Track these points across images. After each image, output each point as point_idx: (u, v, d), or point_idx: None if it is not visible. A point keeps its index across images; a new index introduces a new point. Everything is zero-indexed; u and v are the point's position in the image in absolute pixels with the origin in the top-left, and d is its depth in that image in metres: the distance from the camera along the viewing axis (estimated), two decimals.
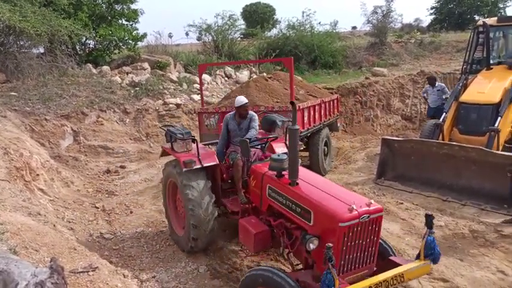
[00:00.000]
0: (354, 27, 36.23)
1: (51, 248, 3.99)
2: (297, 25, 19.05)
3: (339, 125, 10.55)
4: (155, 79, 12.15)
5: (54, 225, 5.28)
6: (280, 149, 4.99)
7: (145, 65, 13.22)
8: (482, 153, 6.26)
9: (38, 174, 6.91)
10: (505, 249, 4.89)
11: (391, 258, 3.56)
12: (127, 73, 12.70)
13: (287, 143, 4.35)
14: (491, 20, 8.65)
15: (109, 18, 14.15)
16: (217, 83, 13.58)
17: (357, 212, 3.13)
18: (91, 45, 14.33)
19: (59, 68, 11.56)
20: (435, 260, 3.35)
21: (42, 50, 12.36)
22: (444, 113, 7.88)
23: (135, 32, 14.61)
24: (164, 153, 5.60)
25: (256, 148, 4.88)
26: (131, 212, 6.71)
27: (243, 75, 14.47)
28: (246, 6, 39.65)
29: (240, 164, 4.64)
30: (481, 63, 8.32)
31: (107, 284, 3.52)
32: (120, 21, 14.56)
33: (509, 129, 7.36)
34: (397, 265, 3.34)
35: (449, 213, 6.01)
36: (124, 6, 14.42)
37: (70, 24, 11.59)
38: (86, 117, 9.99)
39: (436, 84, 9.78)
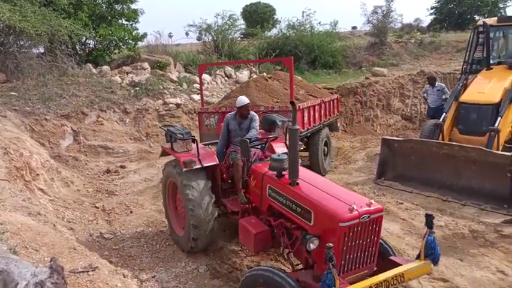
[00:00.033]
0: (354, 27, 36.28)
1: (51, 248, 3.99)
2: (297, 25, 19.06)
3: (339, 125, 10.55)
4: (155, 79, 12.15)
5: (54, 225, 5.28)
6: (280, 149, 4.99)
7: (145, 64, 13.21)
8: (482, 153, 6.26)
9: (38, 174, 6.91)
10: (505, 249, 4.89)
11: (391, 258, 3.56)
12: (127, 73, 12.69)
13: (287, 143, 4.35)
14: (491, 20, 8.65)
15: (109, 18, 14.14)
16: (217, 83, 13.58)
17: (357, 212, 3.13)
18: (91, 45, 14.33)
19: (59, 67, 11.55)
20: (435, 261, 3.35)
21: (42, 50, 12.36)
22: (444, 113, 7.88)
23: (135, 32, 14.61)
24: (164, 153, 5.60)
25: (256, 148, 4.87)
26: (131, 212, 6.71)
27: (243, 75, 14.47)
28: (246, 6, 39.70)
29: (240, 164, 4.64)
30: (481, 63, 8.33)
31: (107, 283, 3.52)
32: (120, 21, 14.55)
33: (509, 129, 7.37)
34: (397, 265, 3.34)
35: (449, 213, 6.01)
36: (124, 6, 14.42)
37: (70, 24, 11.59)
38: (86, 117, 9.99)
39: (436, 84, 9.78)
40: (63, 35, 11.27)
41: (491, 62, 8.27)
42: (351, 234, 3.15)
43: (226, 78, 14.22)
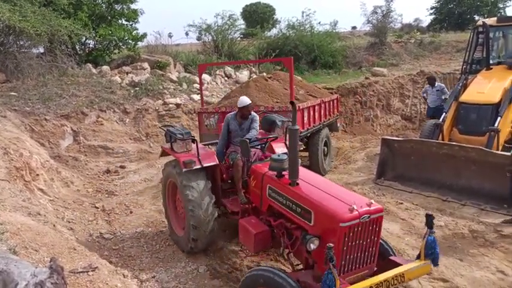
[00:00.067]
0: (354, 27, 36.23)
1: (50, 248, 3.99)
2: (296, 25, 19.05)
3: (338, 125, 10.55)
4: (155, 79, 12.14)
5: (54, 225, 5.28)
6: (280, 149, 4.98)
7: (145, 65, 13.21)
8: (482, 153, 6.26)
9: (37, 174, 6.91)
10: (505, 249, 4.89)
11: (391, 258, 3.56)
12: (127, 73, 12.69)
13: (287, 143, 4.35)
14: (491, 20, 8.66)
15: (109, 18, 14.14)
16: (217, 83, 13.58)
17: (357, 212, 3.13)
18: (91, 45, 14.33)
19: (58, 68, 11.55)
20: (434, 262, 3.35)
21: (42, 50, 12.36)
22: (444, 113, 7.88)
23: (135, 32, 14.60)
24: (164, 153, 5.60)
25: (256, 148, 4.87)
26: (131, 212, 6.71)
27: (243, 75, 14.47)
28: (246, 6, 39.66)
29: (240, 164, 4.64)
30: (481, 63, 8.33)
31: (107, 284, 3.52)
32: (120, 21, 14.55)
33: (509, 129, 7.37)
34: (397, 265, 3.34)
35: (449, 213, 6.01)
36: (124, 6, 14.42)
37: (70, 24, 11.59)
38: (85, 117, 9.99)
39: (436, 85, 9.79)
40: (63, 35, 11.27)
41: (491, 62, 8.27)
42: (351, 234, 3.15)
43: (226, 78, 14.22)
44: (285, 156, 3.85)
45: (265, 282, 3.21)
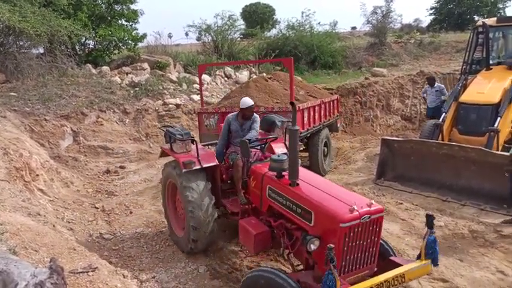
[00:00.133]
0: (354, 28, 36.29)
1: (50, 249, 3.98)
2: (296, 25, 19.06)
3: (338, 125, 10.55)
4: (155, 79, 12.14)
5: (53, 226, 5.27)
6: (279, 149, 4.98)
7: (145, 65, 13.21)
8: (481, 154, 6.26)
9: (37, 175, 6.90)
10: (505, 249, 4.89)
11: (391, 258, 3.56)
12: (127, 73, 12.69)
13: (286, 143, 4.35)
14: (491, 21, 8.66)
15: (109, 18, 14.14)
16: (217, 83, 13.58)
17: (357, 213, 3.13)
18: (91, 46, 14.33)
19: (58, 68, 11.55)
20: (435, 262, 3.35)
21: (41, 50, 12.36)
22: (444, 113, 7.88)
23: (134, 32, 14.61)
24: (163, 154, 5.59)
25: (256, 149, 4.87)
26: (131, 213, 6.70)
27: (243, 75, 14.47)
28: (246, 6, 39.71)
29: (240, 165, 4.63)
30: (481, 63, 8.33)
31: (107, 284, 3.51)
32: (119, 21, 14.55)
33: (509, 129, 7.37)
34: (397, 265, 3.34)
35: (449, 213, 6.01)
36: (124, 7, 14.42)
37: (70, 24, 11.58)
38: (85, 117, 9.98)
39: (435, 85, 9.79)
40: (63, 36, 11.26)
41: (490, 62, 8.27)
42: (351, 234, 3.15)
43: (226, 79, 14.22)
44: (285, 157, 3.85)
45: (266, 283, 3.20)
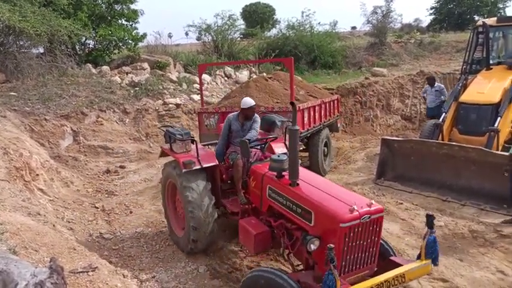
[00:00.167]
0: (354, 28, 36.23)
1: (50, 248, 3.98)
2: (296, 25, 19.05)
3: (339, 125, 10.55)
4: (155, 79, 12.14)
5: (53, 225, 5.27)
6: (279, 149, 4.98)
7: (145, 65, 13.21)
8: (481, 154, 6.26)
9: (37, 174, 6.90)
10: (505, 249, 4.89)
11: (391, 258, 3.56)
12: (127, 73, 12.68)
13: (286, 143, 4.34)
14: (491, 20, 8.66)
15: (109, 18, 14.14)
16: (217, 83, 13.58)
17: (357, 213, 3.13)
18: (91, 45, 14.33)
19: (58, 68, 11.54)
20: (434, 262, 3.35)
21: (41, 50, 12.35)
22: (444, 113, 7.88)
23: (134, 32, 14.60)
24: (163, 154, 5.59)
25: (256, 148, 4.87)
26: (131, 212, 6.70)
27: (243, 75, 14.47)
28: (246, 6, 39.67)
29: (240, 165, 4.63)
30: (481, 63, 8.33)
31: (107, 284, 3.51)
32: (119, 21, 14.55)
33: (509, 129, 7.37)
34: (398, 265, 3.34)
35: (449, 213, 6.01)
36: (124, 6, 14.41)
37: (70, 24, 11.58)
38: (85, 117, 9.98)
39: (435, 85, 9.79)
40: (63, 35, 11.26)
41: (490, 62, 8.26)
42: (351, 234, 3.15)
43: (226, 79, 14.22)
44: (285, 157, 3.85)
45: (266, 283, 3.20)
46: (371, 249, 3.33)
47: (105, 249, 5.41)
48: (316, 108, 8.16)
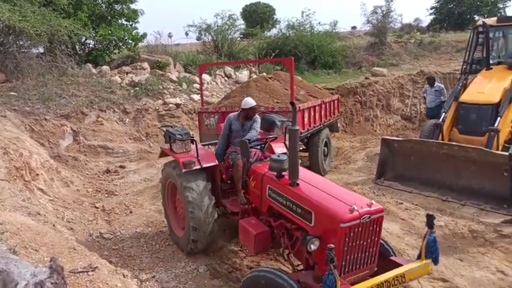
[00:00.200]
0: (354, 27, 36.23)
1: (50, 248, 3.99)
2: (296, 25, 19.04)
3: (339, 125, 10.55)
4: (155, 79, 12.14)
5: (53, 225, 5.28)
6: (279, 149, 4.98)
7: (145, 64, 13.20)
8: (482, 153, 6.26)
9: (37, 174, 6.90)
10: (505, 249, 4.90)
11: (392, 258, 3.56)
12: (127, 73, 12.68)
13: (286, 143, 4.34)
14: (491, 20, 8.66)
15: (109, 18, 14.13)
16: (217, 83, 13.57)
17: (357, 213, 3.13)
18: (91, 45, 14.32)
19: (58, 67, 11.54)
20: (434, 262, 3.35)
21: (41, 50, 12.35)
22: (444, 113, 7.88)
23: (135, 32, 14.60)
24: (163, 154, 5.59)
25: (256, 148, 4.87)
26: (131, 212, 6.71)
27: (243, 75, 14.47)
28: (246, 6, 39.62)
29: (240, 164, 4.63)
30: (481, 63, 8.33)
31: (107, 283, 3.51)
32: (120, 21, 14.55)
33: (509, 129, 7.37)
34: (398, 265, 3.34)
35: (449, 213, 6.01)
36: (124, 6, 14.41)
37: (70, 24, 11.58)
38: (85, 117, 9.98)
39: (435, 85, 9.79)
40: (63, 35, 11.26)
41: (490, 62, 8.27)
42: (351, 234, 3.15)
43: (226, 78, 14.22)
44: (285, 157, 3.85)
45: (266, 283, 3.20)
46: (371, 249, 3.33)
47: (105, 249, 5.41)
48: (316, 108, 8.16)
